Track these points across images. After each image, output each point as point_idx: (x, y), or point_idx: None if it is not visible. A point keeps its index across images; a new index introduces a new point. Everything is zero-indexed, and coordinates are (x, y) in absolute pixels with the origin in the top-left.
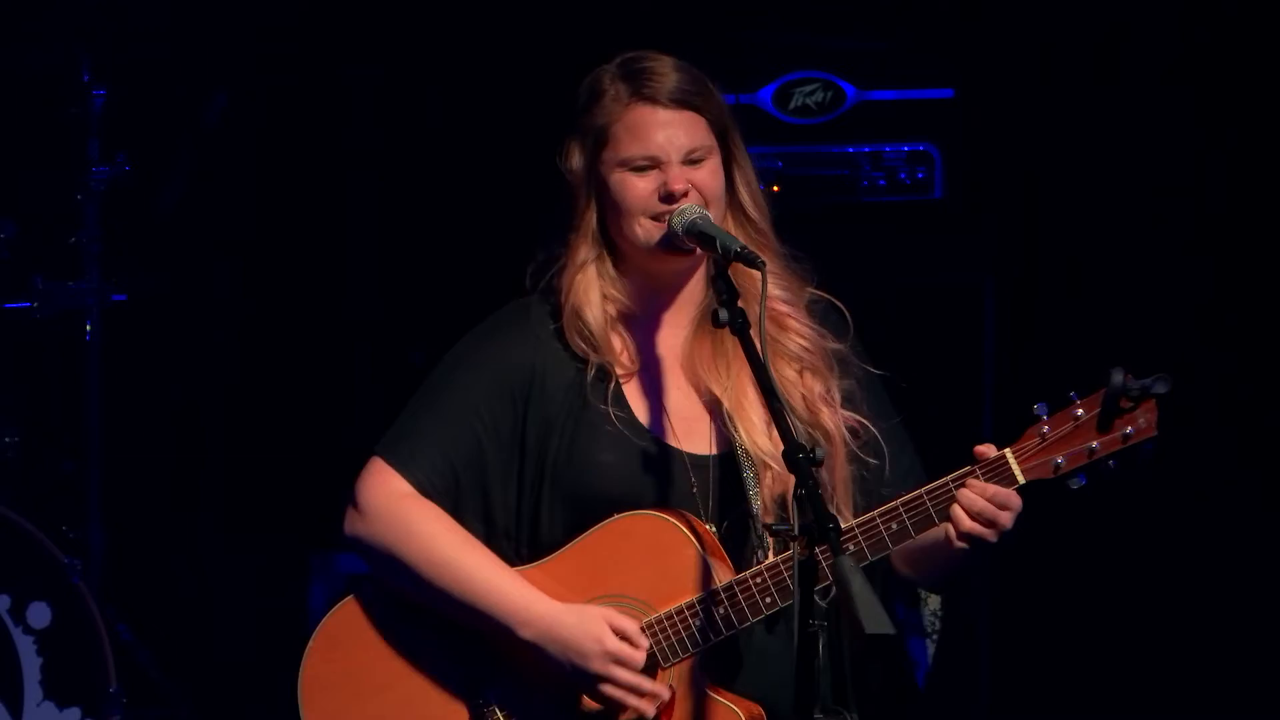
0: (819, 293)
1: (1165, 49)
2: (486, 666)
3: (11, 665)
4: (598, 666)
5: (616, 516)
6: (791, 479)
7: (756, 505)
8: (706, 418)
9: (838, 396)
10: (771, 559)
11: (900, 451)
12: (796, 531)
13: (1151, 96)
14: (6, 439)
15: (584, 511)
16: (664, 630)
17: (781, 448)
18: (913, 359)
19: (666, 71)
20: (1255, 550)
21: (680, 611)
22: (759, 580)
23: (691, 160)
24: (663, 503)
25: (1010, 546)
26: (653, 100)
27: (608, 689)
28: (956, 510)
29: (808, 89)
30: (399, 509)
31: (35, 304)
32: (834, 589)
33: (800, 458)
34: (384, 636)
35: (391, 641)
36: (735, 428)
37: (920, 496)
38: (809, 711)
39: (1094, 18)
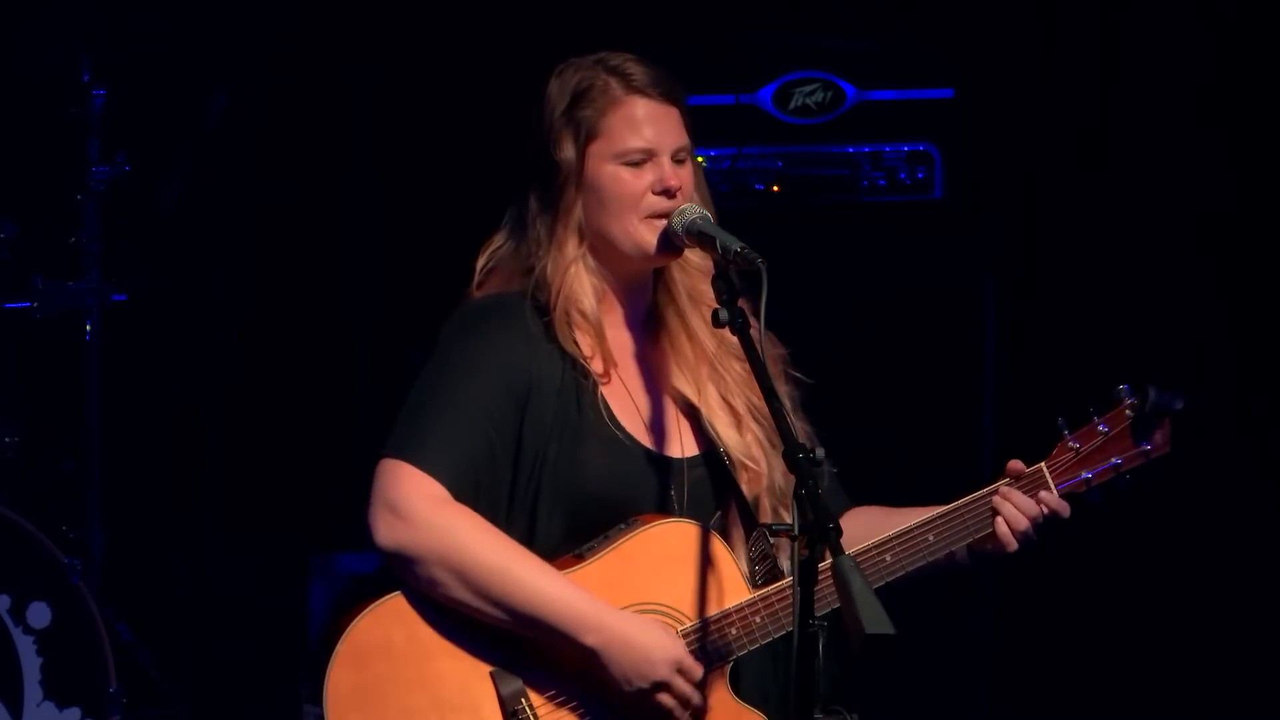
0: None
1: (1165, 49)
2: (521, 673)
3: (11, 665)
4: (664, 673)
5: (650, 525)
6: (765, 482)
7: (752, 506)
8: (679, 419)
9: (787, 402)
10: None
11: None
12: (796, 531)
13: (1152, 96)
14: (6, 439)
15: (581, 515)
16: (699, 639)
17: (754, 449)
18: (913, 359)
19: (650, 67)
20: (1255, 552)
21: (716, 621)
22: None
23: (678, 159)
24: (654, 506)
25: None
26: (645, 93)
27: (663, 697)
28: (1014, 515)
29: (808, 89)
30: (444, 516)
31: (35, 304)
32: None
33: (801, 458)
34: (410, 645)
35: (418, 651)
36: (712, 428)
37: (959, 509)
38: (809, 711)
39: (1094, 17)
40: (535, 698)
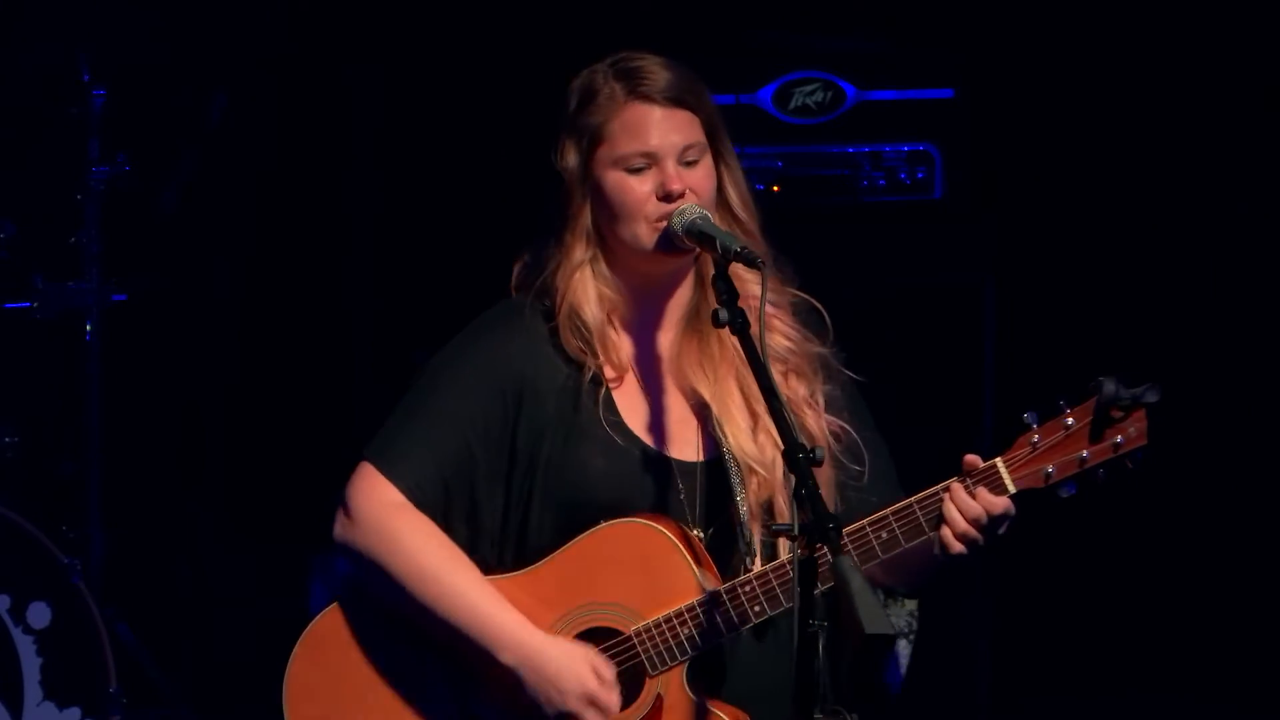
0: (800, 294)
1: (1165, 48)
2: (471, 679)
3: (11, 665)
4: (574, 705)
5: (603, 524)
6: (778, 484)
7: (744, 511)
8: (694, 423)
9: (821, 400)
10: (760, 567)
11: (877, 457)
12: (796, 531)
13: (1152, 96)
14: (6, 439)
15: (574, 517)
16: (652, 638)
17: (766, 452)
18: (913, 359)
19: (660, 70)
20: (1255, 545)
21: (669, 619)
22: (748, 588)
23: (686, 161)
24: (652, 509)
25: (1010, 549)
26: (648, 98)
27: None
28: (953, 515)
29: (808, 89)
30: (389, 520)
31: (35, 304)
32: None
33: (800, 458)
34: (370, 643)
35: (377, 649)
36: (722, 432)
37: (910, 505)
38: (809, 711)
39: (1093, 17)
40: (485, 702)
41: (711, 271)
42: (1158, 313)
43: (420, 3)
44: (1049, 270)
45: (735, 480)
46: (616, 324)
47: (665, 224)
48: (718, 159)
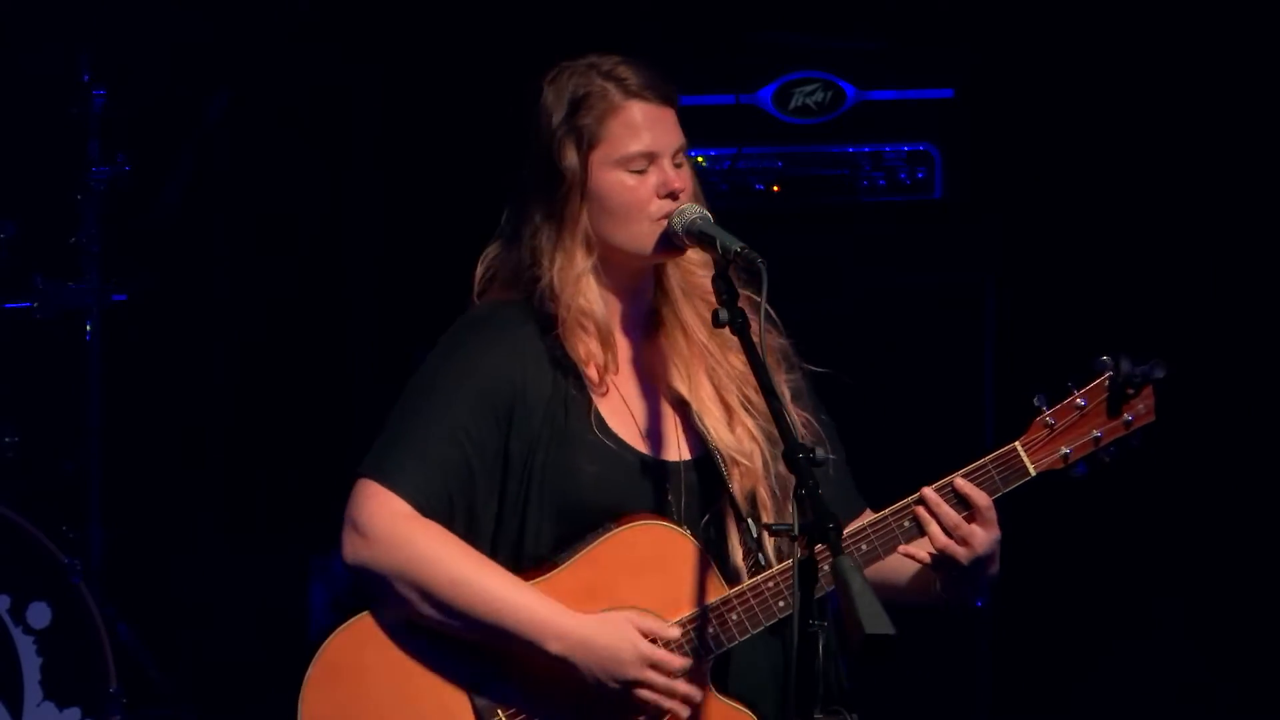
0: (746, 292)
1: (1166, 47)
2: (494, 686)
3: (11, 665)
4: (634, 672)
5: (621, 527)
6: (759, 475)
7: (741, 505)
8: (675, 422)
9: (787, 392)
10: (780, 564)
11: (836, 449)
12: (796, 531)
13: (1152, 95)
14: (6, 439)
15: (571, 523)
16: (679, 639)
17: (745, 443)
18: (913, 359)
19: (646, 70)
20: (1257, 547)
21: (693, 619)
22: (771, 585)
23: (677, 162)
24: (647, 511)
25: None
26: (642, 96)
27: (643, 693)
28: (931, 526)
29: (808, 89)
30: (405, 531)
31: (35, 304)
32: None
33: (800, 458)
34: (386, 666)
35: (392, 670)
36: (704, 427)
37: (885, 518)
38: (809, 711)
39: (1093, 16)
40: (510, 713)
41: (668, 269)
42: (1158, 312)
43: (420, 3)
44: (1049, 270)
45: (725, 474)
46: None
47: (665, 223)
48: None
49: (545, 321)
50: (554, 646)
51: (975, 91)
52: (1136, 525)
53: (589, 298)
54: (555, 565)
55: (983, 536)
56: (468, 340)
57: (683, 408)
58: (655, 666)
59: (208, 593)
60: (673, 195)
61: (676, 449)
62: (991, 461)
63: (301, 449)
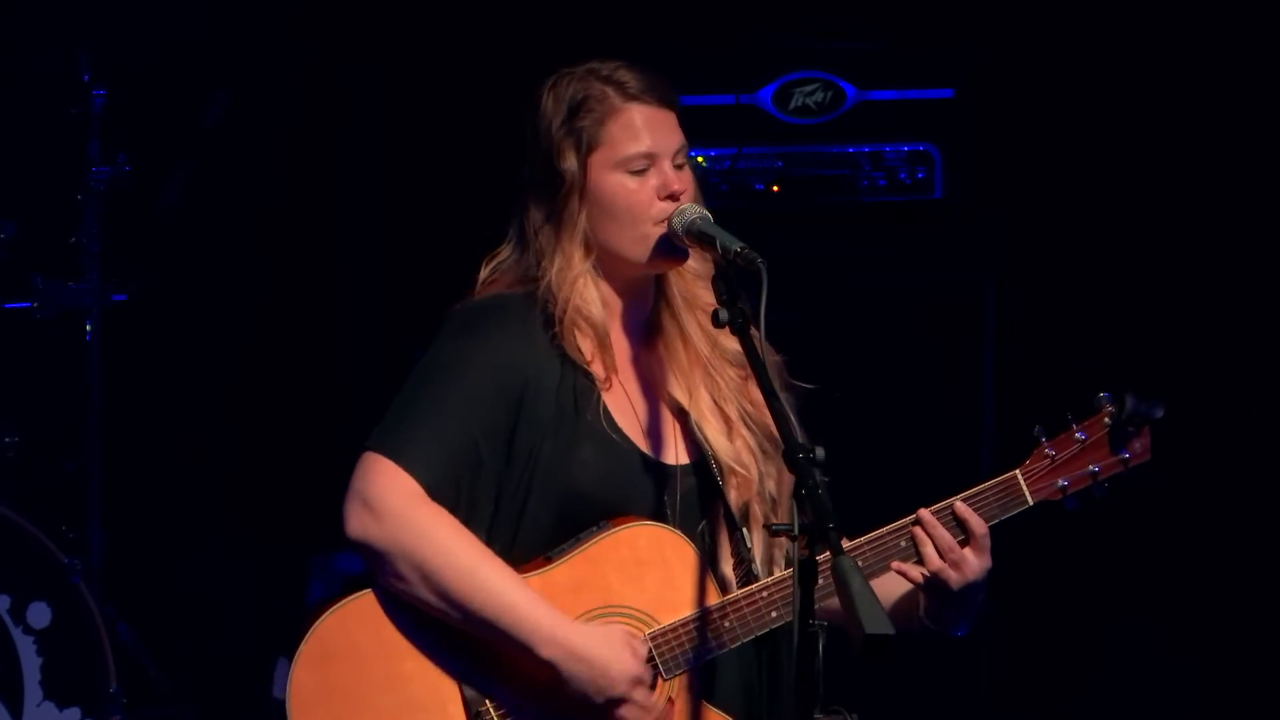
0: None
1: (1166, 47)
2: (483, 677)
3: (11, 665)
4: (623, 689)
5: (620, 526)
6: (755, 488)
7: (736, 513)
8: (675, 426)
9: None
10: (778, 573)
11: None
12: (796, 531)
13: (1152, 95)
14: (6, 439)
15: (570, 515)
16: (668, 643)
17: (743, 455)
18: (913, 359)
19: (645, 73)
20: (1252, 551)
21: (686, 624)
22: (765, 594)
23: (677, 164)
24: (647, 510)
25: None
26: (642, 99)
27: (623, 711)
28: (926, 547)
29: (808, 89)
30: (416, 512)
31: (35, 304)
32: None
33: (800, 458)
34: (377, 645)
35: (385, 651)
36: (704, 435)
37: (882, 535)
38: (809, 711)
39: (1094, 16)
40: (499, 701)
41: (669, 278)
42: (1158, 312)
43: (420, 3)
44: (1049, 270)
45: (720, 483)
46: (611, 326)
47: (665, 224)
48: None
49: (548, 317)
50: (545, 652)
51: (975, 91)
52: (1136, 525)
53: (585, 298)
54: (549, 560)
55: (975, 563)
56: (480, 325)
57: (681, 415)
58: (640, 684)
59: (208, 593)
60: (673, 197)
61: (675, 452)
62: (992, 488)
63: (301, 449)
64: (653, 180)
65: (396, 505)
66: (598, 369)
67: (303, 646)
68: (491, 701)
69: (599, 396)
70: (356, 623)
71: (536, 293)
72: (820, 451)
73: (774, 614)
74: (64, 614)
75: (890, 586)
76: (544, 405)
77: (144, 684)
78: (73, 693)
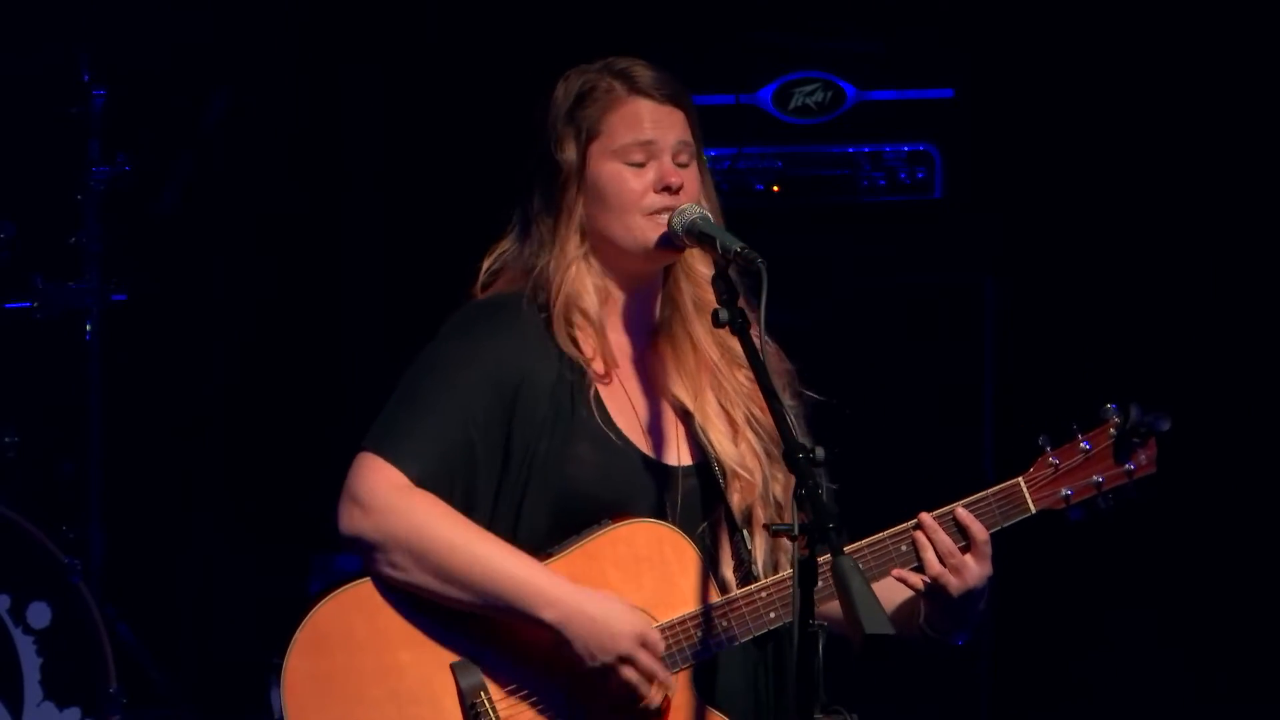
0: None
1: (1166, 47)
2: (482, 661)
3: (11, 665)
4: (627, 646)
5: (618, 524)
6: (758, 492)
7: (737, 516)
8: (678, 427)
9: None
10: (779, 574)
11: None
12: (796, 531)
13: (1152, 95)
14: (6, 439)
15: (567, 514)
16: (665, 640)
17: (748, 459)
18: (913, 359)
19: (654, 70)
20: (1252, 551)
21: (683, 621)
22: (765, 595)
23: (680, 161)
24: (647, 509)
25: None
26: (646, 94)
27: (627, 671)
28: (926, 552)
29: (808, 89)
30: (404, 501)
31: (35, 304)
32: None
33: (801, 458)
34: (373, 634)
35: (380, 640)
36: (707, 438)
37: (883, 540)
38: (809, 711)
39: (1094, 16)
40: (495, 690)
41: (679, 281)
42: (1158, 312)
43: (419, 3)
44: (1048, 270)
45: (723, 485)
46: (609, 320)
47: (664, 220)
48: (700, 167)
49: (545, 314)
50: (547, 614)
51: (975, 91)
52: (1136, 526)
53: (579, 286)
54: (549, 556)
55: (975, 570)
56: (475, 325)
57: (685, 417)
58: (646, 646)
59: (208, 593)
60: (670, 190)
61: (676, 453)
62: (994, 494)
63: (301, 449)
64: (650, 173)
65: (384, 497)
66: (596, 364)
67: (298, 634)
68: (487, 692)
69: (596, 394)
70: (353, 610)
71: (534, 286)
72: (820, 452)
73: (772, 614)
74: (64, 614)
75: (890, 594)
76: (540, 404)
77: (144, 684)
78: (73, 693)
